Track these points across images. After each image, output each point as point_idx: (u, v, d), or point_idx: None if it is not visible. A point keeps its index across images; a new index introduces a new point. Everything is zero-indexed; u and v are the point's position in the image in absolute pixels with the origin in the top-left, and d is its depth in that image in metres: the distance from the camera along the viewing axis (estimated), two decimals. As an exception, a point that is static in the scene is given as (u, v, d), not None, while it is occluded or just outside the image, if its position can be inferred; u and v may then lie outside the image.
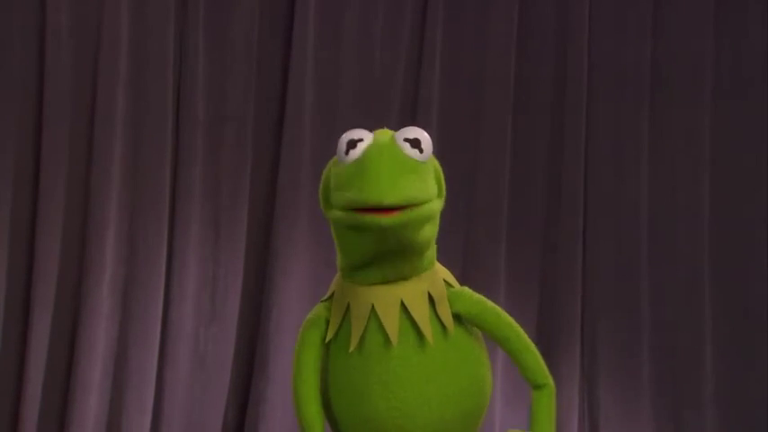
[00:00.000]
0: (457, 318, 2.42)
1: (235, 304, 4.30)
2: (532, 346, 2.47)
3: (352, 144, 2.29)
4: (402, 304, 2.33)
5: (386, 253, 2.31)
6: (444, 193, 2.37)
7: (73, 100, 4.20)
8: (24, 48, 4.19)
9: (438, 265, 2.45)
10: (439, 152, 4.24)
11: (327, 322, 2.44)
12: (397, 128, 4.49)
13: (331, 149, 4.35)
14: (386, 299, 2.33)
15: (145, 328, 4.18)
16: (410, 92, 4.46)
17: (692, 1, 4.60)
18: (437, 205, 2.33)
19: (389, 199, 2.17)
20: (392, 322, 2.32)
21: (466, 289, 2.48)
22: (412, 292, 2.34)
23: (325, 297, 2.49)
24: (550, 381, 2.47)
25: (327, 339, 2.43)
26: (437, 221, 2.37)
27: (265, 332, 4.26)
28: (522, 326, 4.06)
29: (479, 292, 4.07)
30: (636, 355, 4.47)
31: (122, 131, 4.23)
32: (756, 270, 4.55)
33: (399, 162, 2.24)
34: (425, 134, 2.32)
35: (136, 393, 4.15)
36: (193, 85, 4.31)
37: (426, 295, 2.36)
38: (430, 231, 2.34)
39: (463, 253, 4.26)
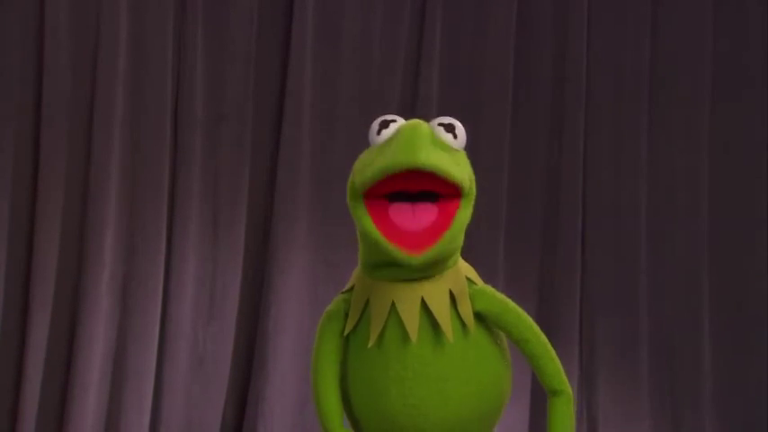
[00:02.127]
0: (478, 316, 2.40)
1: (233, 303, 4.30)
2: (552, 352, 2.45)
3: (385, 124, 2.28)
4: (422, 302, 2.31)
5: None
6: (474, 193, 2.33)
7: (72, 99, 4.20)
8: (23, 47, 4.18)
9: (461, 262, 2.43)
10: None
11: (346, 315, 2.42)
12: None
13: (330, 149, 4.38)
14: (407, 296, 2.30)
15: (144, 326, 4.18)
16: (409, 91, 4.46)
17: (691, 1, 4.60)
18: (466, 215, 2.29)
19: (428, 161, 2.12)
20: (412, 319, 2.29)
21: (488, 287, 2.46)
22: (433, 290, 2.31)
23: (346, 289, 2.46)
24: (568, 388, 2.44)
25: (346, 333, 2.41)
26: (464, 230, 2.34)
27: (264, 331, 4.26)
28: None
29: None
30: (634, 354, 4.47)
31: (121, 130, 4.23)
32: (755, 269, 4.55)
33: (434, 139, 2.23)
34: (459, 123, 2.31)
35: (135, 392, 4.15)
36: (192, 85, 4.31)
37: (448, 293, 2.34)
38: (460, 239, 2.33)
39: (462, 252, 4.25)
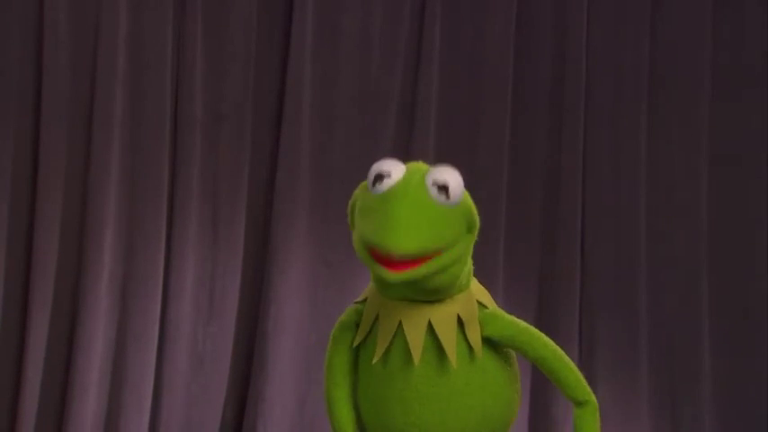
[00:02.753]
0: (488, 341, 2.37)
1: (233, 303, 4.30)
2: (571, 364, 2.42)
3: (380, 178, 2.18)
4: (429, 324, 2.28)
5: None
6: (477, 226, 2.30)
7: (71, 99, 4.20)
8: (22, 46, 4.18)
9: (474, 285, 2.41)
10: (437, 152, 4.27)
11: (358, 326, 2.40)
12: (394, 127, 4.52)
13: (329, 149, 4.38)
14: (414, 317, 2.28)
15: (143, 326, 4.18)
16: (408, 92, 4.46)
17: (690, 0, 4.60)
18: (459, 250, 2.25)
19: (401, 250, 2.08)
20: (417, 342, 2.27)
21: (499, 311, 2.43)
22: (441, 314, 2.29)
23: (359, 300, 2.43)
24: (593, 397, 2.41)
25: (355, 344, 2.39)
26: (467, 257, 2.32)
27: (264, 331, 4.26)
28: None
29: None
30: (634, 353, 4.47)
31: (120, 130, 4.22)
32: (754, 268, 4.55)
33: (422, 207, 2.14)
34: (455, 177, 2.20)
35: (134, 392, 4.14)
36: (191, 84, 4.31)
37: (455, 318, 2.31)
38: (454, 272, 2.28)
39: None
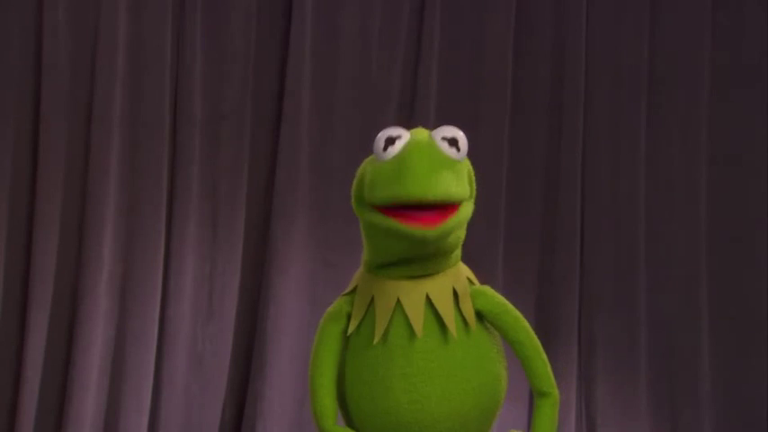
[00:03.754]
0: (478, 315, 2.45)
1: (232, 303, 4.30)
2: (544, 356, 2.49)
3: (391, 141, 2.32)
4: (427, 299, 2.37)
5: (416, 254, 2.35)
6: (475, 194, 2.42)
7: (70, 98, 4.20)
8: (21, 46, 4.18)
9: (461, 264, 2.50)
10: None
11: (348, 316, 2.46)
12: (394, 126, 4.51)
13: (329, 148, 4.38)
14: (412, 293, 2.36)
15: (142, 326, 4.18)
16: (407, 91, 4.46)
17: (689, 0, 4.60)
18: (470, 208, 2.39)
19: (432, 193, 2.22)
20: (418, 316, 2.35)
21: (488, 288, 2.52)
22: (437, 288, 2.38)
23: (347, 291, 2.51)
24: (555, 391, 2.49)
25: (349, 332, 2.45)
26: (465, 225, 2.41)
27: (263, 331, 4.26)
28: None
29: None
30: (633, 353, 4.47)
31: (120, 130, 4.22)
32: (754, 268, 4.55)
33: (439, 159, 2.28)
34: (462, 133, 2.37)
35: (133, 392, 4.15)
36: (191, 84, 4.31)
37: (451, 291, 2.40)
38: (461, 234, 2.40)
39: (461, 251, 4.25)
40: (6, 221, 4.13)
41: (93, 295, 4.13)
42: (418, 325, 2.35)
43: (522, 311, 4.56)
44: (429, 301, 2.37)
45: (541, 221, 4.51)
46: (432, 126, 4.34)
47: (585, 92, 4.53)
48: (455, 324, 2.39)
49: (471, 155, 4.33)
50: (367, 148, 4.59)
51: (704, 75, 4.58)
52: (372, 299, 2.41)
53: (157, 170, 4.24)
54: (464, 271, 2.49)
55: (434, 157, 2.28)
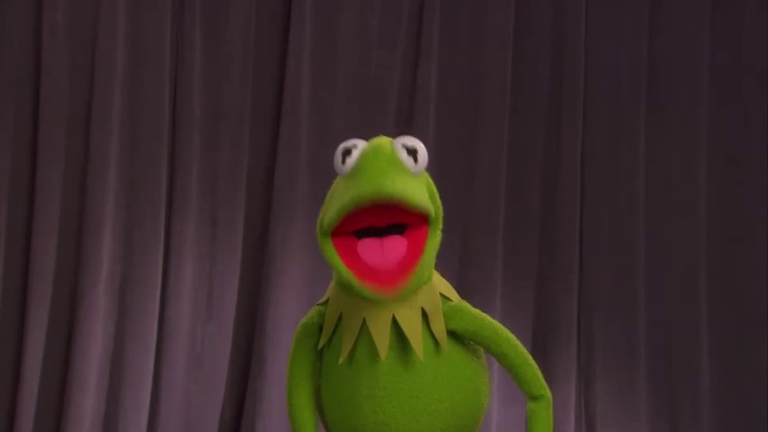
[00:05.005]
0: (452, 333, 2.38)
1: (231, 302, 4.30)
2: (530, 359, 2.43)
3: (347, 152, 2.23)
4: (394, 320, 2.28)
5: None
6: (441, 217, 2.25)
7: (69, 98, 4.20)
8: (21, 45, 4.18)
9: (436, 278, 2.39)
10: (436, 151, 4.27)
11: (320, 328, 2.41)
12: (393, 126, 4.51)
13: (328, 148, 4.37)
14: (378, 314, 2.27)
15: (142, 326, 4.18)
16: (407, 90, 4.46)
17: (689, 0, 4.60)
18: (436, 242, 2.22)
19: (388, 189, 2.08)
20: (382, 337, 2.27)
21: (464, 304, 2.43)
22: (405, 309, 2.28)
23: (321, 301, 2.45)
24: (547, 392, 2.44)
25: (320, 347, 2.40)
26: (434, 256, 2.29)
27: (262, 330, 4.26)
28: (519, 325, 4.04)
29: (476, 291, 4.06)
30: (632, 353, 4.47)
31: (119, 129, 4.22)
32: (753, 268, 4.55)
33: (397, 164, 2.17)
34: (423, 146, 2.24)
35: (133, 391, 4.14)
36: (190, 83, 4.31)
37: (419, 311, 2.31)
38: (428, 270, 2.29)
39: (460, 251, 4.25)
40: (6, 221, 4.13)
41: (92, 295, 4.13)
42: (383, 347, 2.27)
43: (522, 311, 4.56)
44: (395, 323, 2.27)
45: (541, 221, 4.50)
46: (432, 126, 4.38)
47: (585, 91, 4.53)
48: (424, 345, 2.30)
49: (471, 153, 4.31)
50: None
51: (704, 74, 4.58)
52: (341, 315, 2.35)
53: (157, 170, 4.24)
54: (438, 287, 2.39)
55: (392, 161, 2.16)
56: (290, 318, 4.25)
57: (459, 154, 4.41)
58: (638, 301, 4.49)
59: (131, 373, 4.15)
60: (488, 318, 2.43)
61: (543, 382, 2.44)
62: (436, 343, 2.33)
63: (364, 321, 2.28)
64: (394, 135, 4.48)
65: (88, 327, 4.11)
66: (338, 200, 2.18)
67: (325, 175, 4.32)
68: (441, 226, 2.25)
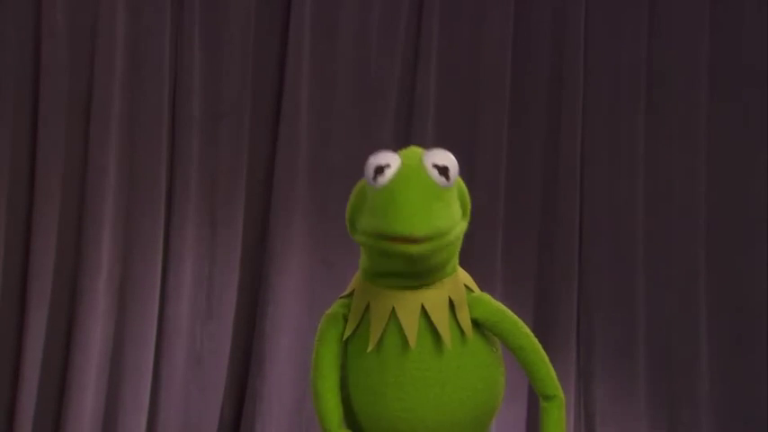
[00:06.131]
0: (475, 323, 2.44)
1: (231, 302, 4.30)
2: (546, 358, 2.48)
3: (380, 170, 2.28)
4: (422, 309, 2.35)
5: (408, 270, 2.33)
6: (469, 212, 2.40)
7: (69, 98, 4.20)
8: (20, 46, 4.18)
9: (460, 271, 2.47)
10: (435, 150, 4.27)
11: (345, 319, 2.45)
12: (393, 125, 4.52)
13: (328, 148, 4.38)
14: (407, 303, 2.35)
15: (141, 325, 4.18)
16: (407, 90, 4.46)
17: (688, 0, 4.60)
18: (462, 228, 2.36)
19: (419, 232, 2.20)
20: (412, 326, 2.34)
21: (485, 295, 2.50)
22: (433, 298, 2.36)
23: (345, 293, 2.50)
24: (560, 393, 2.47)
25: (345, 337, 2.44)
26: (460, 240, 2.40)
27: (261, 330, 4.26)
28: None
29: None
30: (632, 352, 4.47)
31: (118, 129, 4.23)
32: (753, 267, 4.55)
33: (427, 190, 2.25)
34: (452, 159, 2.32)
35: (132, 391, 4.15)
36: (189, 83, 4.31)
37: (447, 301, 2.38)
38: (454, 250, 2.38)
39: (459, 250, 4.25)
40: (5, 221, 4.13)
41: (91, 294, 4.13)
42: (412, 336, 2.34)
43: (521, 311, 4.54)
44: (424, 311, 2.35)
45: (540, 221, 4.50)
46: (432, 125, 4.38)
47: (584, 91, 4.53)
48: (451, 333, 2.37)
49: (470, 153, 4.32)
50: (365, 146, 4.59)
51: (703, 74, 4.58)
52: (368, 305, 2.40)
53: (156, 169, 4.24)
54: (462, 279, 2.47)
55: (423, 190, 2.25)
56: (289, 317, 4.26)
57: (459, 154, 4.37)
58: (637, 301, 4.49)
59: (131, 372, 4.15)
60: (509, 311, 2.49)
61: (557, 382, 2.48)
62: (462, 332, 2.40)
63: (393, 310, 2.35)
64: (394, 135, 4.51)
65: (88, 326, 4.11)
66: (369, 220, 2.28)
67: (325, 175, 4.36)
68: (468, 218, 2.38)
